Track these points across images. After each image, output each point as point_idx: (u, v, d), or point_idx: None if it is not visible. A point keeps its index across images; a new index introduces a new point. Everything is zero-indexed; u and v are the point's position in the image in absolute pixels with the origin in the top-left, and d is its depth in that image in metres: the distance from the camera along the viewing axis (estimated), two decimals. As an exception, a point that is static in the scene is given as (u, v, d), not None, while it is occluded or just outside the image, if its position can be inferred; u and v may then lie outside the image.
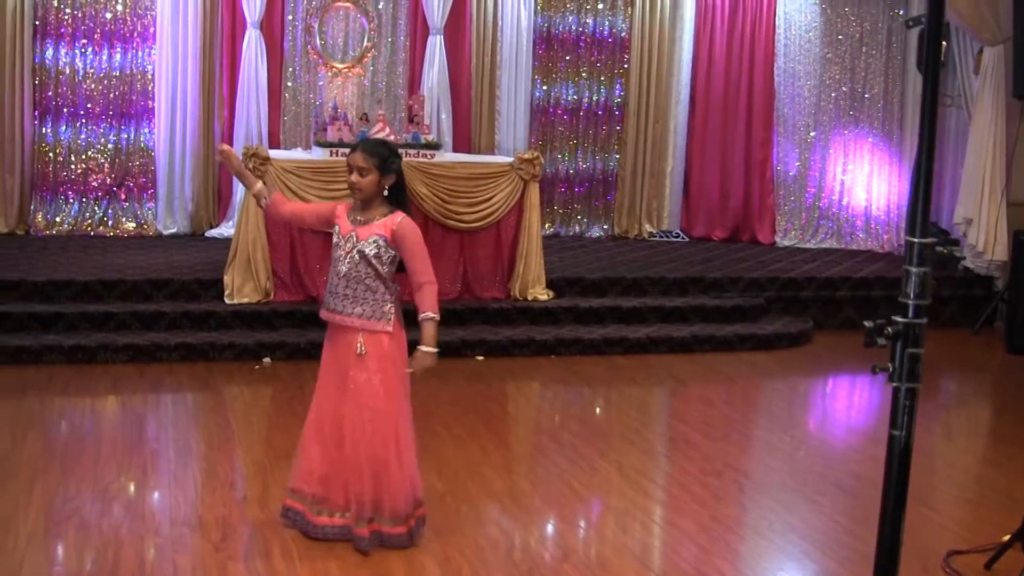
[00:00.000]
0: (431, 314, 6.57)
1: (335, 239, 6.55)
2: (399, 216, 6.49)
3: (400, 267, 6.58)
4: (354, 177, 6.42)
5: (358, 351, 6.49)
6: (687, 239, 16.87)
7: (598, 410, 10.58)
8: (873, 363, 3.71)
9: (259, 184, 6.89)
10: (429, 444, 8.71)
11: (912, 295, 3.62)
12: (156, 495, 7.61)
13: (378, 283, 6.48)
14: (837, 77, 16.56)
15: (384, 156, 6.45)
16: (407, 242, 6.47)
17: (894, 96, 16.57)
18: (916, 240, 3.59)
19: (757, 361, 12.11)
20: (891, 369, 3.69)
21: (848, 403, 11.66)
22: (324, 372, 6.73)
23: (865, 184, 16.63)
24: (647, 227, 16.91)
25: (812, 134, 16.68)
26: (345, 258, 6.46)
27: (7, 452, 8.31)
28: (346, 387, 6.55)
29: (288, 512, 6.80)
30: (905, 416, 3.68)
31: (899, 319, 3.63)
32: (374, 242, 6.42)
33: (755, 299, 13.36)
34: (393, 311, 6.59)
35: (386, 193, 6.49)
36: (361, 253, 6.42)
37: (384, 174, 6.44)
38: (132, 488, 7.68)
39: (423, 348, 6.54)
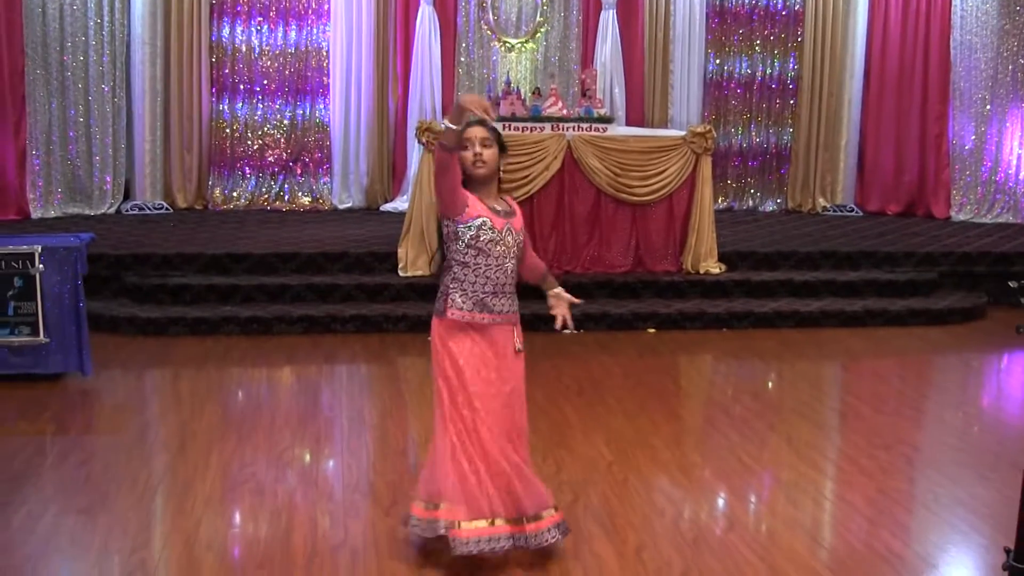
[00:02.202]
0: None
1: (487, 235, 5.88)
2: (512, 200, 6.23)
3: None
4: (480, 148, 5.84)
5: (517, 347, 6.16)
6: (861, 213, 16.60)
7: (770, 384, 10.46)
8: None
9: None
10: (600, 415, 8.74)
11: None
12: (329, 462, 7.71)
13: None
14: (1015, 49, 16.10)
15: (499, 133, 6.06)
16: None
17: (1075, 67, 16.14)
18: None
19: (930, 336, 11.87)
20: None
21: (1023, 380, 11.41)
22: (484, 375, 6.03)
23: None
24: (821, 201, 16.69)
25: (988, 107, 16.27)
26: (510, 254, 5.99)
27: (187, 420, 8.51)
28: (507, 384, 6.14)
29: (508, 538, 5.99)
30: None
31: (1042, 280, 3.55)
32: (523, 232, 6.14)
33: (928, 273, 13.08)
34: None
35: (501, 173, 6.07)
36: (520, 247, 6.09)
37: (503, 152, 6.03)
38: (306, 455, 7.80)
39: (559, 291, 6.34)
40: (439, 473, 5.91)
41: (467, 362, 5.95)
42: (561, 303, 6.28)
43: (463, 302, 5.94)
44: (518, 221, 6.06)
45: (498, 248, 5.92)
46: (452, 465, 5.87)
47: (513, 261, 6.01)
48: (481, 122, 5.88)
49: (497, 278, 5.97)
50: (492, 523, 5.84)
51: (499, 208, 5.98)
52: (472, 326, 5.97)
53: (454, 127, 5.62)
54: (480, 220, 5.87)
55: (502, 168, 6.01)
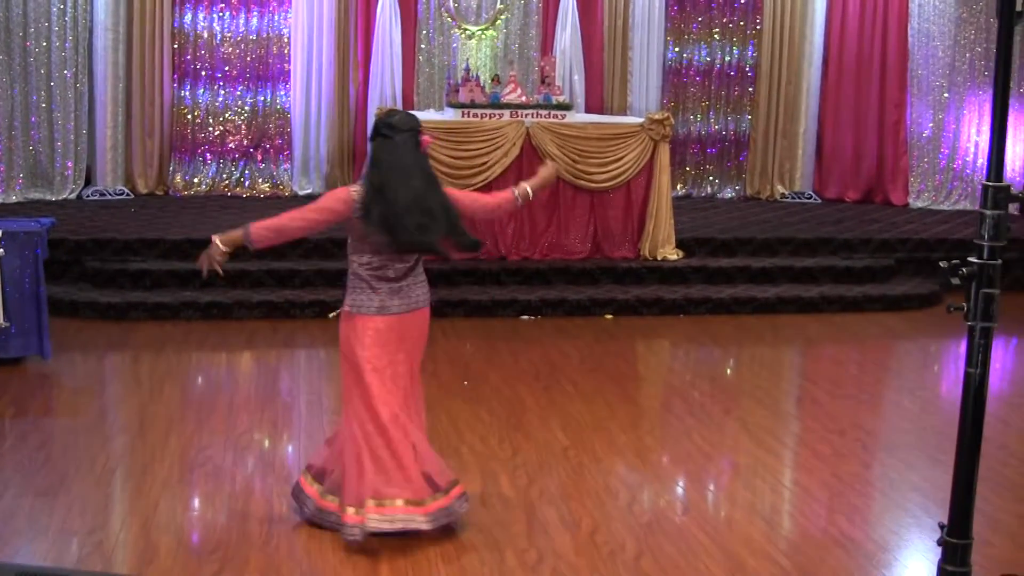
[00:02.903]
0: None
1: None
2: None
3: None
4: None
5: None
6: (820, 200, 16.70)
7: (728, 371, 10.56)
8: (956, 308, 3.70)
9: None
10: (556, 399, 8.82)
11: (987, 237, 3.64)
12: (287, 446, 7.79)
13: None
14: (972, 37, 16.21)
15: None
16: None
17: (1032, 56, 16.27)
18: (991, 184, 3.61)
19: (886, 322, 12.00)
20: (966, 308, 3.71)
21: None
22: (393, 366, 6.15)
23: (1012, 150, 16.33)
24: (779, 188, 16.78)
25: (946, 95, 16.39)
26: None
27: (145, 403, 8.57)
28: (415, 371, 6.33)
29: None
30: (980, 354, 3.71)
31: (974, 260, 3.65)
32: None
33: (885, 260, 13.20)
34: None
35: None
36: None
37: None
38: (263, 439, 7.87)
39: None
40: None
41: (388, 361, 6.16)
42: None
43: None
44: None
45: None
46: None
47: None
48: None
49: (389, 272, 6.19)
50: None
51: None
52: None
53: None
54: None
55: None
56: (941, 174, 16.47)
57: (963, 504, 3.87)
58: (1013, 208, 3.79)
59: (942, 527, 4.16)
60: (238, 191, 15.40)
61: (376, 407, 5.97)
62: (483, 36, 15.83)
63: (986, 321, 3.66)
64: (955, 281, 3.68)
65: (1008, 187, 3.61)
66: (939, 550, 4.30)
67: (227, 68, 15.37)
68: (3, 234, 9.13)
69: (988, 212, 3.63)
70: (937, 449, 7.91)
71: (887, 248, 13.45)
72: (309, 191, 15.50)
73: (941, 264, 3.69)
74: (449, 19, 15.73)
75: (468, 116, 12.40)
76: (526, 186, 6.42)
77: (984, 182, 3.63)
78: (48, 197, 14.50)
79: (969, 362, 3.74)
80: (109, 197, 14.73)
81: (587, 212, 12.55)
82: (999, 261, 3.63)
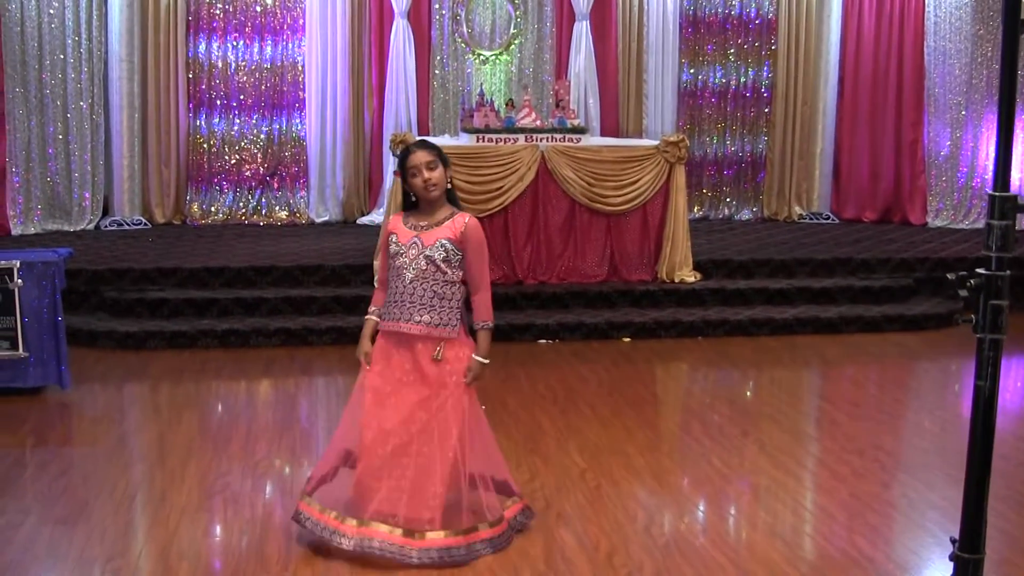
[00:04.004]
0: (489, 323, 6.43)
1: (393, 248, 6.28)
2: (467, 216, 6.36)
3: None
4: (427, 174, 6.19)
5: (435, 356, 6.26)
6: (837, 221, 16.69)
7: (747, 392, 10.53)
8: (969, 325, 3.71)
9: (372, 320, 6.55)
10: (574, 423, 8.81)
11: (994, 248, 3.63)
12: (304, 472, 7.75)
13: (447, 288, 6.30)
14: (989, 55, 16.19)
15: (439, 149, 6.36)
16: (473, 243, 6.32)
17: (1050, 72, 16.20)
18: (997, 194, 3.60)
19: (905, 342, 11.96)
20: (974, 320, 3.70)
21: (1000, 384, 11.45)
22: (379, 386, 6.40)
23: (1020, 163, 16.28)
24: (797, 209, 16.78)
25: (963, 113, 16.37)
26: (411, 266, 6.23)
27: (164, 431, 8.60)
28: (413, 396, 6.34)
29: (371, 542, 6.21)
30: (989, 367, 3.70)
31: (982, 271, 3.64)
32: (441, 246, 6.24)
33: (904, 280, 13.18)
34: (460, 317, 6.38)
35: (449, 186, 6.34)
36: (430, 260, 6.23)
37: (447, 166, 6.30)
38: (281, 465, 7.88)
39: (477, 358, 6.37)
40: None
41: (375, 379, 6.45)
42: (470, 375, 6.40)
43: (384, 310, 6.40)
44: (433, 235, 6.26)
45: (398, 260, 6.26)
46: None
47: (413, 273, 6.24)
48: (423, 144, 6.38)
49: (397, 288, 6.29)
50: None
51: (423, 223, 6.30)
52: (387, 334, 6.38)
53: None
54: (390, 237, 6.35)
55: (450, 181, 6.36)
56: (959, 193, 16.44)
57: (974, 518, 3.85)
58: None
59: (954, 542, 4.14)
60: (255, 219, 15.45)
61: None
62: (497, 61, 15.88)
63: (995, 333, 3.66)
64: (963, 293, 3.67)
65: (1015, 197, 3.60)
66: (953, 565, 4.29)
67: (242, 97, 15.43)
68: (21, 265, 9.17)
69: (995, 223, 3.62)
70: (956, 468, 7.81)
71: (905, 268, 13.42)
72: (326, 218, 15.56)
73: (949, 276, 3.68)
74: (463, 44, 15.78)
75: (483, 141, 12.43)
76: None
77: (990, 192, 3.62)
78: (66, 228, 14.56)
79: (978, 375, 3.73)
80: (127, 227, 14.79)
81: (603, 235, 12.55)
82: (1007, 272, 3.63)
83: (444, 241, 6.23)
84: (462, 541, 6.21)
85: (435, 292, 6.25)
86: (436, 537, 6.16)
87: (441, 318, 6.26)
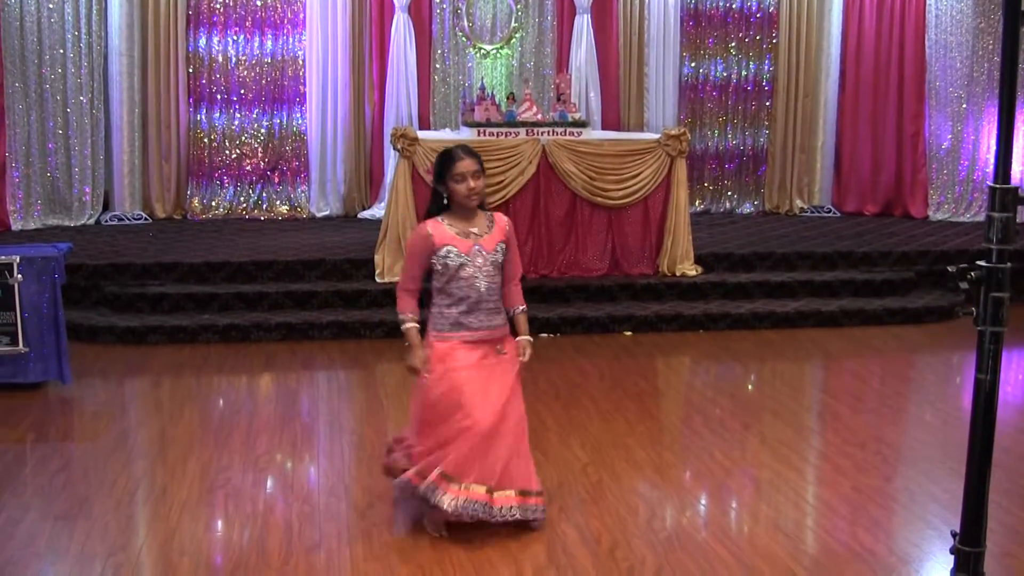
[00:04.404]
0: (526, 307, 6.77)
1: (454, 261, 6.37)
2: (500, 215, 6.70)
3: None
4: (473, 183, 6.37)
5: (499, 350, 6.52)
6: (839, 214, 16.68)
7: (748, 386, 10.50)
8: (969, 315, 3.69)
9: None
10: (575, 417, 8.80)
11: (995, 240, 3.61)
12: (306, 466, 7.78)
13: (499, 288, 6.57)
14: (990, 47, 16.16)
15: (480, 157, 6.54)
16: (513, 239, 6.65)
17: (1051, 65, 16.16)
18: (998, 186, 3.59)
19: (907, 335, 11.95)
20: (975, 313, 3.69)
21: (1001, 377, 11.42)
22: (472, 380, 6.42)
23: (1021, 156, 16.24)
24: (798, 203, 16.76)
25: (964, 106, 16.33)
26: (481, 274, 6.41)
27: (165, 426, 8.59)
28: (496, 383, 6.47)
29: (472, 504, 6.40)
30: (990, 360, 3.68)
31: (983, 263, 3.63)
32: (499, 250, 6.50)
33: (905, 273, 13.16)
34: None
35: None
36: (496, 264, 6.48)
37: (484, 174, 6.53)
38: (282, 460, 7.86)
39: (527, 338, 6.64)
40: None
41: (455, 373, 6.39)
42: (526, 355, 6.66)
43: (442, 326, 6.43)
44: (491, 240, 6.46)
45: (466, 270, 6.37)
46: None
47: (485, 280, 6.41)
48: (466, 150, 6.47)
49: (469, 297, 6.39)
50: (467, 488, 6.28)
51: (472, 230, 6.44)
52: (455, 343, 6.41)
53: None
54: (445, 249, 6.36)
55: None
56: (960, 186, 16.41)
57: (975, 510, 3.85)
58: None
59: (954, 535, 4.13)
60: (256, 214, 15.44)
61: None
62: (498, 55, 15.86)
63: (996, 326, 3.64)
64: (963, 286, 3.66)
65: (1015, 189, 3.59)
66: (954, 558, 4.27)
67: (243, 91, 15.43)
68: (21, 260, 9.16)
69: (996, 215, 3.61)
70: (958, 462, 7.77)
71: (907, 261, 13.41)
72: (327, 212, 15.57)
73: (949, 269, 3.67)
74: (464, 38, 15.77)
75: (484, 135, 12.41)
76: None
77: (991, 184, 3.61)
78: (66, 223, 14.56)
79: (979, 368, 3.72)
80: (127, 222, 14.78)
81: (605, 229, 12.53)
82: (1008, 264, 3.61)
83: (500, 244, 6.50)
84: (542, 503, 6.59)
85: (498, 294, 6.54)
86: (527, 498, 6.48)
87: (504, 318, 6.58)
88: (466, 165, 6.34)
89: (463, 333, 6.42)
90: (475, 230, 6.45)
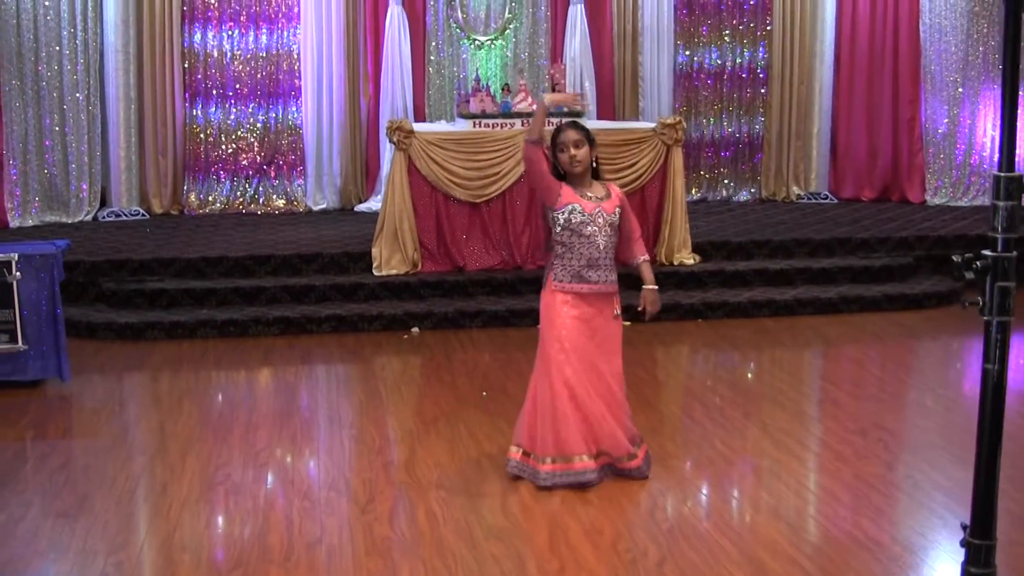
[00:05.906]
0: (648, 257, 7.50)
1: (578, 218, 6.98)
2: (613, 184, 7.37)
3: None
4: (573, 151, 6.96)
5: (615, 314, 7.25)
6: (836, 200, 16.64)
7: (748, 374, 10.49)
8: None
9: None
10: (574, 407, 8.76)
11: (1000, 228, 3.59)
12: (306, 461, 7.78)
13: (614, 247, 7.17)
14: (985, 31, 16.10)
15: (588, 130, 7.10)
16: (627, 203, 7.27)
17: (1046, 48, 16.11)
18: (1003, 175, 3.57)
19: (906, 321, 11.94)
20: (981, 303, 3.67)
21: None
22: (578, 338, 7.11)
23: (1019, 139, 16.18)
24: (795, 189, 16.72)
25: (960, 90, 16.28)
26: (601, 232, 7.01)
27: (164, 422, 8.59)
28: (603, 346, 7.21)
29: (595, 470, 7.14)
30: (997, 350, 3.67)
31: (988, 252, 3.61)
32: (616, 213, 7.09)
33: (904, 259, 13.14)
34: None
35: (595, 164, 7.08)
36: (613, 226, 7.06)
37: (593, 146, 7.07)
38: (282, 455, 7.86)
39: (652, 287, 7.40)
40: (533, 420, 7.16)
41: (565, 323, 7.09)
42: (647, 299, 7.44)
43: (563, 275, 7.12)
44: (611, 204, 7.10)
45: (589, 228, 7.00)
46: (549, 410, 7.05)
47: (605, 238, 7.05)
48: (573, 124, 7.14)
49: (590, 254, 7.05)
50: (578, 460, 7.05)
51: (591, 194, 7.07)
52: (572, 294, 7.08)
53: (537, 127, 7.03)
54: (570, 206, 7.00)
55: (594, 160, 7.11)
56: (958, 170, 16.38)
57: (985, 504, 3.84)
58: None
59: (964, 528, 4.12)
60: (252, 208, 15.41)
61: None
62: (492, 46, 15.84)
63: (1003, 315, 3.62)
64: (969, 275, 3.64)
65: (1020, 177, 3.57)
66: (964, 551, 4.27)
67: (238, 86, 15.39)
68: (19, 257, 9.15)
69: (1001, 203, 3.59)
70: (961, 448, 7.84)
71: (905, 246, 13.38)
72: (324, 206, 15.55)
73: (954, 258, 3.65)
74: (458, 30, 15.74)
75: (479, 126, 12.39)
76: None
77: (996, 172, 3.59)
78: (64, 220, 14.53)
79: (986, 358, 3.70)
80: (125, 218, 14.75)
81: (602, 218, 12.49)
82: (1014, 253, 3.59)
83: (618, 208, 7.12)
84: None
85: (612, 254, 7.17)
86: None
87: (616, 275, 7.24)
88: (568, 136, 6.98)
89: (582, 286, 7.06)
90: (595, 195, 7.07)
